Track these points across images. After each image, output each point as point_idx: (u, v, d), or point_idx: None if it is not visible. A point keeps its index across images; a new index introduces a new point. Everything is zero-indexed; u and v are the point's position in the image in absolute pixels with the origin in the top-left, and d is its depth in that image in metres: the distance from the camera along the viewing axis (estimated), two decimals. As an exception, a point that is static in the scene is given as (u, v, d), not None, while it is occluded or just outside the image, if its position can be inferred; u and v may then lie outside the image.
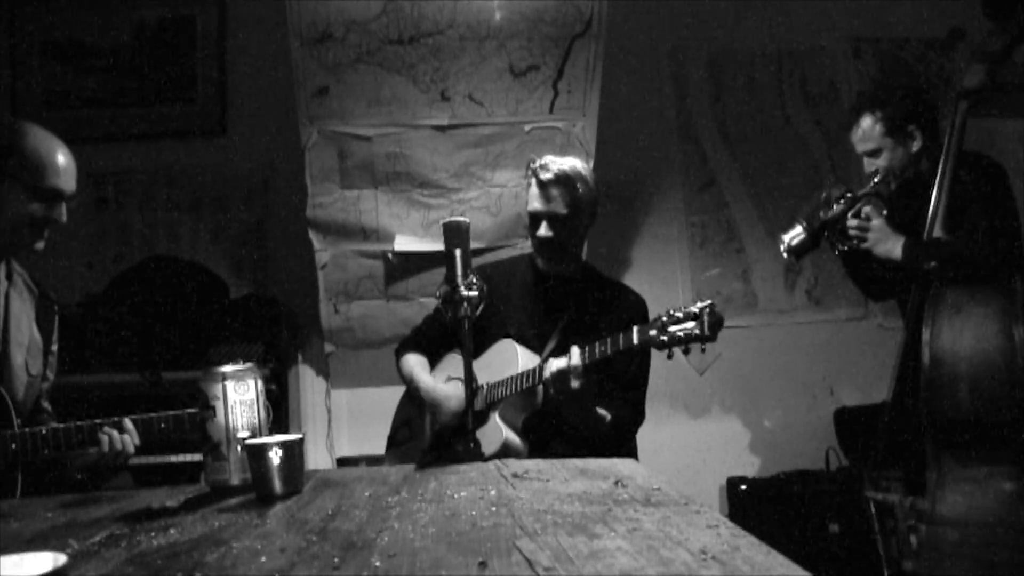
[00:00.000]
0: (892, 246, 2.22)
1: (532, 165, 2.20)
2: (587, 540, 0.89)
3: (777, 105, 3.55)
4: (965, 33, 2.54)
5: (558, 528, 0.95)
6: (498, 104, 3.19)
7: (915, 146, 2.32)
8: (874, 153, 2.35)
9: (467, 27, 3.12)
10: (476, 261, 2.58)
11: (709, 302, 1.76)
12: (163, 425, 1.78)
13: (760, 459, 3.25)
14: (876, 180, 2.33)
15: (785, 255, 2.37)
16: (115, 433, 1.73)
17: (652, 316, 1.87)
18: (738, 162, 3.53)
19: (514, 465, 1.48)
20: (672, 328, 1.78)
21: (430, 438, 2.22)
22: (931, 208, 2.21)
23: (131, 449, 1.74)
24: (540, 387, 2.00)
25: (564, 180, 2.13)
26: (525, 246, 3.15)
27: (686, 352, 1.79)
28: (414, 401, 2.32)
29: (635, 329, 1.84)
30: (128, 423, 1.75)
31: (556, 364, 1.90)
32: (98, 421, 1.74)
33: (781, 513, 3.02)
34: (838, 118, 3.39)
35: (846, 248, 2.33)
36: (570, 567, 0.79)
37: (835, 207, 2.33)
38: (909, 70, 2.46)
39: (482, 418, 2.07)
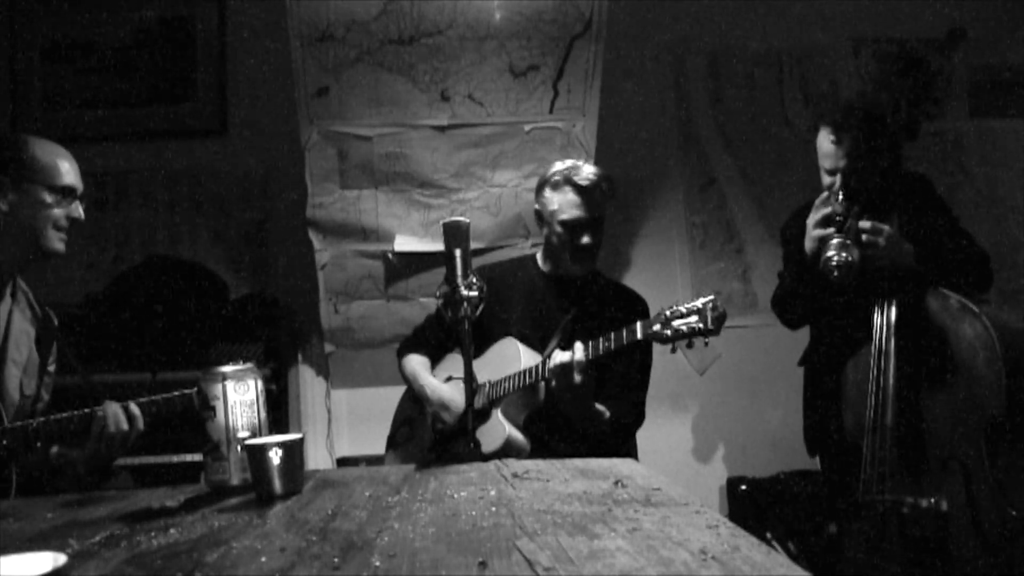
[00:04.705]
0: (905, 254, 2.05)
1: (563, 172, 2.13)
2: (587, 540, 0.89)
3: (777, 105, 3.55)
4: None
5: (558, 528, 0.95)
6: (498, 104, 3.19)
7: (882, 164, 2.15)
8: (858, 170, 2.11)
9: (467, 27, 3.12)
10: (479, 261, 2.59)
11: (712, 297, 1.76)
12: (155, 409, 1.79)
13: (760, 459, 3.25)
14: (841, 198, 2.08)
15: (835, 274, 1.99)
16: (116, 406, 1.73)
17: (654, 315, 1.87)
18: (738, 162, 3.53)
19: (514, 465, 1.48)
20: (676, 323, 1.77)
21: (431, 438, 2.22)
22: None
23: (126, 426, 1.72)
24: (542, 384, 2.00)
25: (602, 182, 2.11)
26: (525, 246, 3.16)
27: (690, 346, 1.79)
28: (415, 401, 2.32)
29: (639, 324, 1.83)
30: (128, 405, 1.76)
31: (560, 357, 1.90)
32: (88, 410, 1.73)
33: (781, 513, 3.02)
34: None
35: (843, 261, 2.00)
36: (570, 567, 0.79)
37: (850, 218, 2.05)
38: (917, 67, 2.40)
39: (484, 415, 2.06)
